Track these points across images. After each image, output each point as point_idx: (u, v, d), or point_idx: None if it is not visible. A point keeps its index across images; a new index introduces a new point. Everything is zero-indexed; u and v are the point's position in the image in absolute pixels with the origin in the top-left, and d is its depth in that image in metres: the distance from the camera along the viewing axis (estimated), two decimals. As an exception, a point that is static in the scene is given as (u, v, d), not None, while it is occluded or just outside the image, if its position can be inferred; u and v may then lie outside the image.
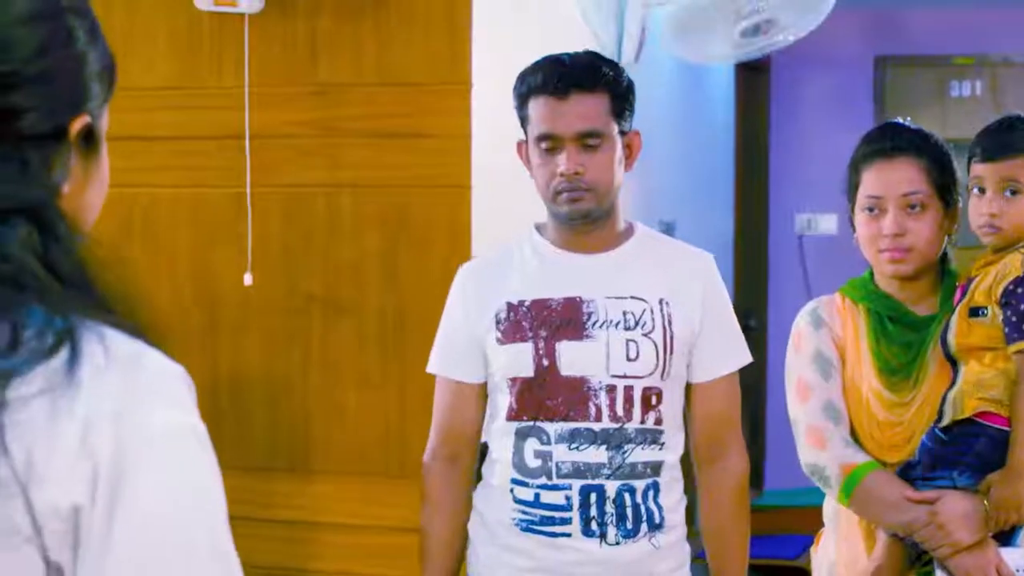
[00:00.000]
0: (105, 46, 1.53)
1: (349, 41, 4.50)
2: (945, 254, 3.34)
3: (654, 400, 3.23)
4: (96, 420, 1.32)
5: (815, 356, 3.32)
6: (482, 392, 3.37)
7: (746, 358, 3.40)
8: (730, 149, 8.45)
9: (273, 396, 4.62)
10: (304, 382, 4.59)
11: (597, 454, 3.19)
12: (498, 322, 3.28)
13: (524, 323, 3.24)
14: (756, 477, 7.84)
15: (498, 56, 4.48)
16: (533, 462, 3.24)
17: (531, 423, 3.23)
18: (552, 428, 3.21)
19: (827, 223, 8.84)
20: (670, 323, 3.24)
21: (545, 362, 3.22)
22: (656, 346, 3.23)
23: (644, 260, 3.32)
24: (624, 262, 3.31)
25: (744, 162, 8.66)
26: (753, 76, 8.71)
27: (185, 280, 4.70)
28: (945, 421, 3.12)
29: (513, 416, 3.26)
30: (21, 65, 1.40)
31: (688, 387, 3.35)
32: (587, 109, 3.20)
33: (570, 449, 3.20)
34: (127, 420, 1.33)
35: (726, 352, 3.36)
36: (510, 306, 3.28)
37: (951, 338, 3.16)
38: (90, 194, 1.49)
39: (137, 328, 1.40)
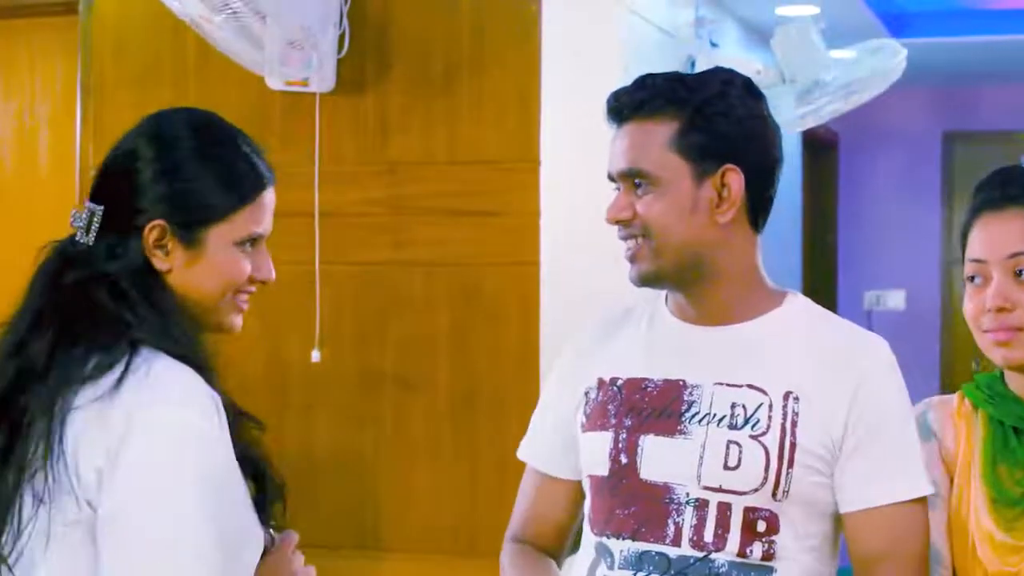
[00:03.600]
0: (206, 177, 2.18)
1: (419, 119, 4.53)
2: None
3: (761, 526, 2.37)
4: (122, 414, 2.00)
5: None
6: (578, 492, 2.60)
7: (918, 488, 2.41)
8: (798, 225, 8.43)
9: (343, 473, 4.61)
10: (375, 459, 4.58)
11: None
12: (586, 402, 2.54)
13: (610, 407, 2.48)
14: None
15: (567, 134, 4.49)
16: None
17: (599, 538, 2.46)
18: (618, 548, 2.43)
19: (895, 299, 8.82)
20: (794, 426, 2.37)
21: (623, 459, 2.44)
22: (767, 453, 2.37)
23: (779, 339, 2.45)
24: (749, 339, 2.46)
25: (812, 238, 8.64)
26: (821, 152, 8.70)
27: (254, 356, 4.71)
28: None
29: (591, 526, 2.50)
30: (143, 182, 2.15)
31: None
32: (635, 141, 2.43)
33: None
34: (137, 415, 2.00)
35: (885, 474, 2.40)
36: (601, 383, 2.53)
37: None
38: (192, 275, 2.16)
39: (189, 358, 2.08)
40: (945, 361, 8.83)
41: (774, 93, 5.17)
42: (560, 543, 2.66)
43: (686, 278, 2.45)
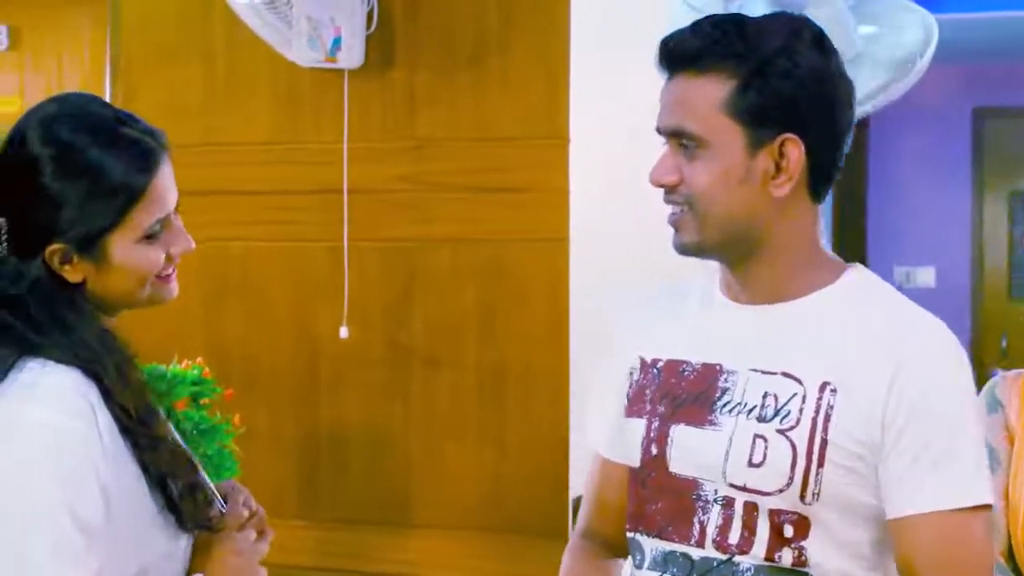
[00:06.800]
0: (88, 184, 2.07)
1: (447, 96, 4.52)
2: None
3: (790, 531, 2.10)
4: None
5: None
6: None
7: (972, 496, 2.06)
8: (828, 201, 8.40)
9: (372, 449, 4.62)
10: (404, 435, 4.58)
11: None
12: (629, 383, 2.31)
13: (648, 391, 2.25)
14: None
15: (596, 110, 4.48)
16: None
17: (633, 534, 2.26)
18: (648, 546, 2.22)
19: (925, 276, 8.77)
20: (827, 420, 2.08)
21: (654, 450, 2.21)
22: (794, 450, 2.09)
23: (824, 321, 2.17)
24: (790, 321, 2.18)
25: (842, 215, 8.60)
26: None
27: (283, 333, 4.72)
28: None
29: (627, 520, 2.30)
30: (42, 200, 2.07)
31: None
32: (685, 97, 2.16)
33: None
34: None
35: (930, 477, 2.06)
36: (643, 364, 2.29)
37: None
38: (107, 280, 2.11)
39: (89, 370, 2.03)
40: (975, 338, 8.79)
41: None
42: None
43: (732, 252, 2.19)
